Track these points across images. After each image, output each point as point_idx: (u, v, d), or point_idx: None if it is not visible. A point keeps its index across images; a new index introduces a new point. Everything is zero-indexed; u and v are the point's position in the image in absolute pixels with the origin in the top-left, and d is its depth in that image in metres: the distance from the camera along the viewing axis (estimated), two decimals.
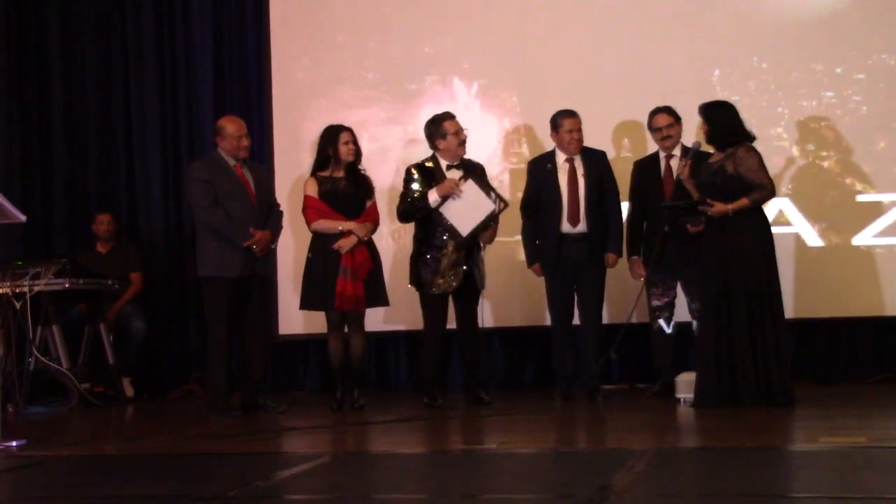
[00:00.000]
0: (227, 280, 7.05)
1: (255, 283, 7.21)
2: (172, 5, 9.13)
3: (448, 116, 7.22)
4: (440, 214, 7.05)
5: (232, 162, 7.21)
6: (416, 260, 7.18)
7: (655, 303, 7.37)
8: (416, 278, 7.18)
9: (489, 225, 7.04)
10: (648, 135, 7.60)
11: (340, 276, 6.96)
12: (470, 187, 7.00)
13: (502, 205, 7.03)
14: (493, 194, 7.01)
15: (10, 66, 9.16)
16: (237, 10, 9.03)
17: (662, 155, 7.39)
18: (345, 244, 7.01)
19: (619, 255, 7.34)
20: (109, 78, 9.19)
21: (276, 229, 7.32)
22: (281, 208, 7.51)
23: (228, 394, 7.12)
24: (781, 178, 7.77)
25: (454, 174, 7.17)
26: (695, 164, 6.80)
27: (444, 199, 7.03)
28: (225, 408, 7.03)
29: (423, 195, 7.08)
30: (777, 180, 7.27)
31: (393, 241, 8.18)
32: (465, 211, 7.00)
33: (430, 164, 7.22)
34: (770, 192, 6.59)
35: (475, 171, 7.22)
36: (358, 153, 7.19)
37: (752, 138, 6.62)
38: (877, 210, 7.86)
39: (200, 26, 9.05)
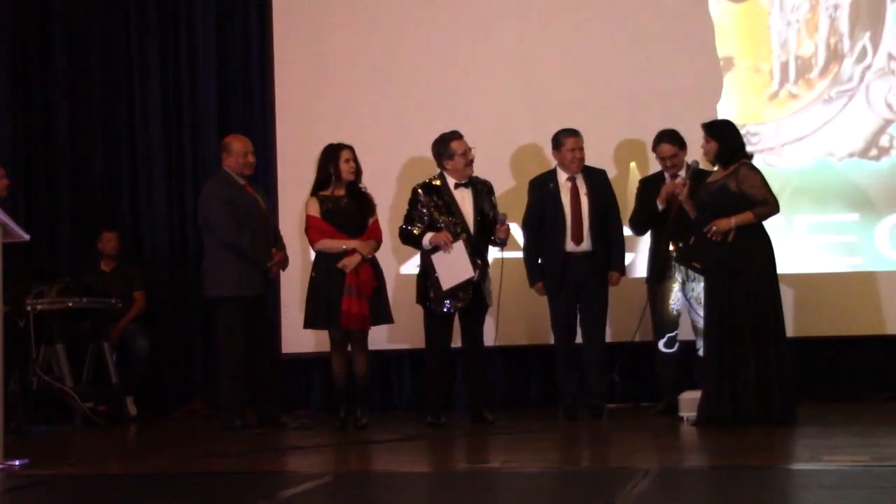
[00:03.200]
0: (246, 299, 7.08)
1: (260, 304, 7.25)
2: (176, 25, 9.15)
3: (456, 136, 7.22)
4: (430, 260, 7.09)
5: (241, 181, 7.24)
6: (424, 278, 7.19)
7: (659, 321, 7.39)
8: (424, 297, 7.19)
9: (466, 289, 7.05)
10: (651, 154, 7.61)
11: (346, 295, 6.96)
12: (459, 248, 7.03)
13: (479, 274, 7.04)
14: (477, 262, 7.03)
15: (15, 84, 9.18)
16: (241, 28, 9.05)
17: (668, 175, 7.40)
18: (349, 263, 7.01)
19: (623, 273, 7.37)
20: (113, 97, 9.20)
21: (285, 252, 7.40)
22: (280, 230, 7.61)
23: (243, 412, 7.15)
24: (782, 197, 7.75)
25: (461, 192, 7.19)
26: (693, 184, 6.81)
27: (437, 247, 7.07)
28: (241, 426, 7.06)
29: (422, 235, 7.11)
30: (778, 199, 7.27)
31: (396, 258, 8.18)
32: (450, 267, 7.03)
33: (437, 183, 7.24)
34: (774, 208, 6.62)
35: (483, 189, 7.24)
36: (358, 171, 7.20)
37: (750, 155, 6.66)
38: (879, 228, 7.85)
39: (204, 45, 9.07)
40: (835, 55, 8.02)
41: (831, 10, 8.05)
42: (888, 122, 7.95)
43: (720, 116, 7.79)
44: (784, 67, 8.09)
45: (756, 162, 6.83)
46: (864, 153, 7.95)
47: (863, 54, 7.99)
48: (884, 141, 7.93)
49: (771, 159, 7.93)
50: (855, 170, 7.94)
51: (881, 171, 7.92)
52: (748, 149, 6.86)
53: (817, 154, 7.99)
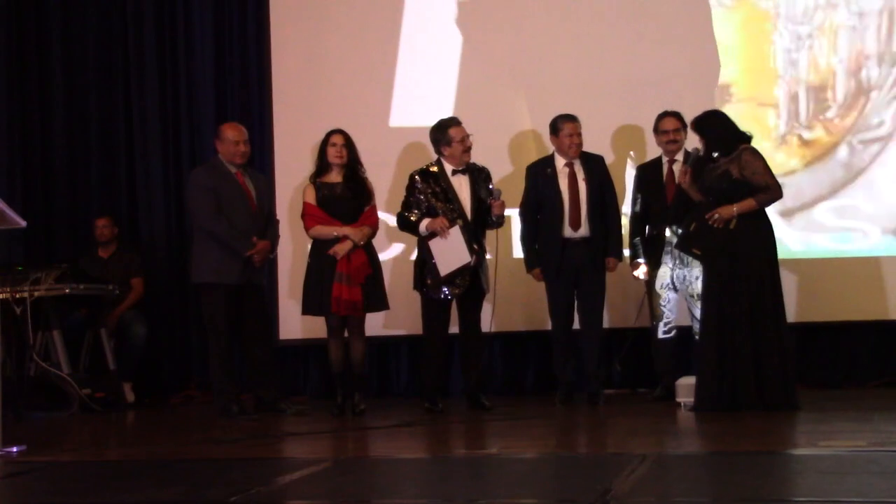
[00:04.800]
0: (225, 287, 7.09)
1: (250, 292, 7.24)
2: (174, 11, 9.14)
3: (454, 123, 7.21)
4: (427, 247, 7.08)
5: (233, 169, 7.24)
6: (421, 264, 7.18)
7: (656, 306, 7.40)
8: (421, 283, 7.18)
9: (463, 275, 7.05)
10: (649, 140, 7.62)
11: (336, 282, 6.96)
12: (455, 234, 7.02)
13: (476, 260, 7.04)
14: (474, 247, 7.02)
15: (12, 71, 9.17)
16: (238, 15, 9.04)
17: (665, 159, 7.40)
18: (340, 249, 7.00)
19: (620, 259, 7.37)
20: (110, 83, 9.20)
21: (274, 239, 7.39)
22: (278, 218, 7.61)
23: (236, 397, 7.15)
24: (784, 183, 7.75)
25: (459, 179, 7.18)
26: (696, 170, 6.81)
27: (434, 233, 7.06)
28: (238, 411, 7.07)
29: (419, 221, 7.10)
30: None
31: (394, 244, 8.17)
32: (447, 253, 7.03)
33: (434, 169, 7.23)
34: (776, 193, 6.61)
35: (481, 176, 7.24)
36: (351, 156, 7.16)
37: (748, 138, 6.64)
38: (879, 214, 7.86)
39: (201, 32, 9.06)
40: (859, 85, 7.96)
41: (854, 20, 7.98)
42: None
43: (717, 101, 7.84)
44: (793, 100, 8.02)
45: None
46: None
47: None
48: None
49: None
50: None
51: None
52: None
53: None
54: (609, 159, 7.69)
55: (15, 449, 5.57)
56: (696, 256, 6.85)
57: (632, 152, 8.01)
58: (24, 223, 5.90)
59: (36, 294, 7.73)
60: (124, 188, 9.15)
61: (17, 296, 7.68)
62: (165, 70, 9.12)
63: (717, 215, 6.51)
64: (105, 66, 9.22)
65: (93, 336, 8.31)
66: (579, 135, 7.31)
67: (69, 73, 9.24)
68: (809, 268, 7.88)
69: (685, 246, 6.83)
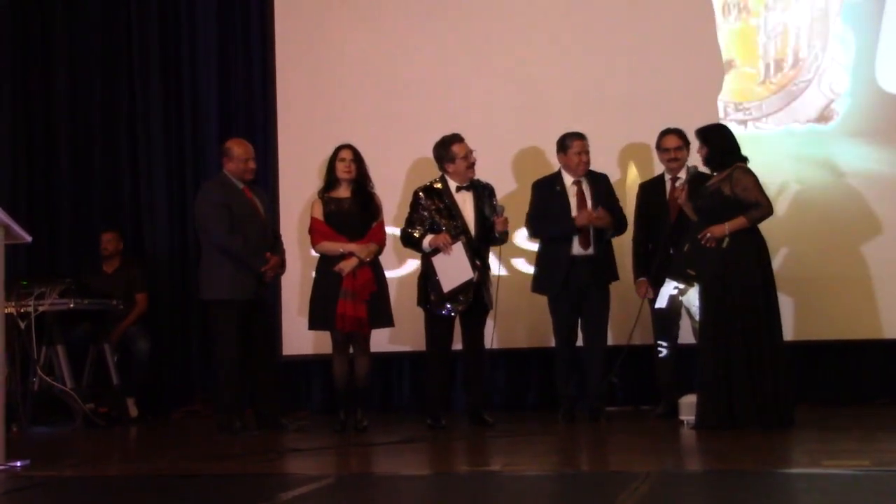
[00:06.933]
0: (238, 303, 7.09)
1: (258, 308, 7.25)
2: (178, 24, 9.17)
3: (457, 139, 7.22)
4: (430, 263, 7.09)
5: (240, 185, 7.24)
6: (425, 280, 7.19)
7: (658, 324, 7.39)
8: (425, 299, 7.19)
9: (467, 291, 7.06)
10: (653, 157, 7.63)
11: (341, 299, 6.95)
12: (458, 250, 7.03)
13: (479, 276, 7.05)
14: (476, 263, 7.04)
15: (16, 85, 9.19)
16: (242, 30, 9.07)
17: (668, 177, 7.41)
18: (345, 266, 7.00)
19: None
20: (114, 97, 9.23)
21: (283, 255, 7.39)
22: (280, 233, 7.63)
23: (242, 414, 7.15)
24: (783, 200, 7.77)
25: (463, 196, 7.19)
26: (693, 188, 6.82)
27: (437, 249, 7.07)
28: (240, 428, 7.07)
29: (422, 237, 7.12)
30: (778, 201, 7.28)
31: (399, 260, 8.17)
32: (450, 269, 7.04)
33: (438, 186, 7.24)
34: (767, 210, 6.60)
35: (485, 192, 7.25)
36: (360, 171, 7.18)
37: (745, 159, 6.65)
38: (878, 232, 7.86)
39: (205, 46, 9.09)
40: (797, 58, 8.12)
41: (797, 31, 8.10)
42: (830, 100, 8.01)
43: (720, 110, 7.89)
44: (767, 66, 8.12)
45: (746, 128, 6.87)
46: (816, 120, 8.02)
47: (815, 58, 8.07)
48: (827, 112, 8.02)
49: (758, 124, 8.06)
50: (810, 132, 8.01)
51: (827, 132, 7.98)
52: (744, 128, 6.84)
53: (787, 121, 8.06)
54: (614, 176, 7.70)
55: (19, 463, 5.57)
56: (691, 278, 6.84)
57: (631, 163, 8.05)
58: (29, 238, 5.91)
59: (40, 309, 7.74)
60: (128, 203, 9.16)
61: (22, 310, 7.70)
62: (169, 85, 9.14)
63: (708, 234, 6.51)
64: (109, 82, 9.24)
65: (96, 351, 8.31)
66: (587, 153, 7.31)
67: (73, 87, 9.26)
68: (811, 285, 7.87)
69: (680, 267, 6.82)
